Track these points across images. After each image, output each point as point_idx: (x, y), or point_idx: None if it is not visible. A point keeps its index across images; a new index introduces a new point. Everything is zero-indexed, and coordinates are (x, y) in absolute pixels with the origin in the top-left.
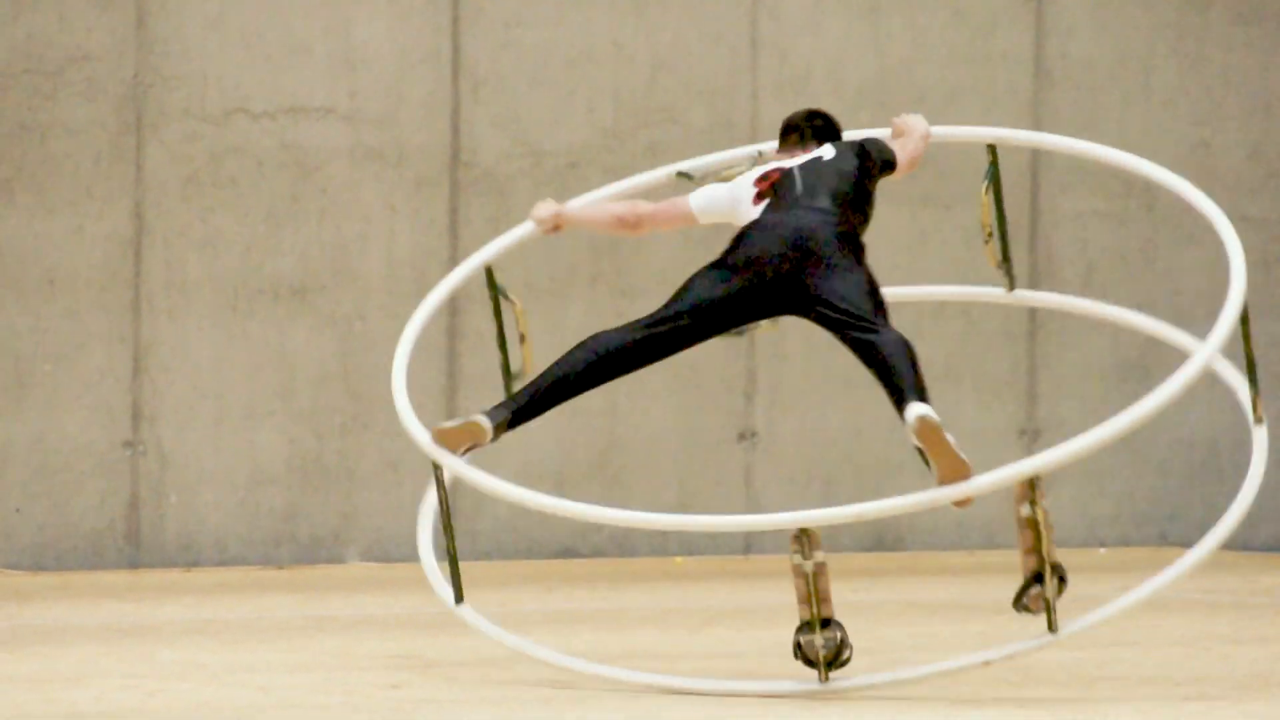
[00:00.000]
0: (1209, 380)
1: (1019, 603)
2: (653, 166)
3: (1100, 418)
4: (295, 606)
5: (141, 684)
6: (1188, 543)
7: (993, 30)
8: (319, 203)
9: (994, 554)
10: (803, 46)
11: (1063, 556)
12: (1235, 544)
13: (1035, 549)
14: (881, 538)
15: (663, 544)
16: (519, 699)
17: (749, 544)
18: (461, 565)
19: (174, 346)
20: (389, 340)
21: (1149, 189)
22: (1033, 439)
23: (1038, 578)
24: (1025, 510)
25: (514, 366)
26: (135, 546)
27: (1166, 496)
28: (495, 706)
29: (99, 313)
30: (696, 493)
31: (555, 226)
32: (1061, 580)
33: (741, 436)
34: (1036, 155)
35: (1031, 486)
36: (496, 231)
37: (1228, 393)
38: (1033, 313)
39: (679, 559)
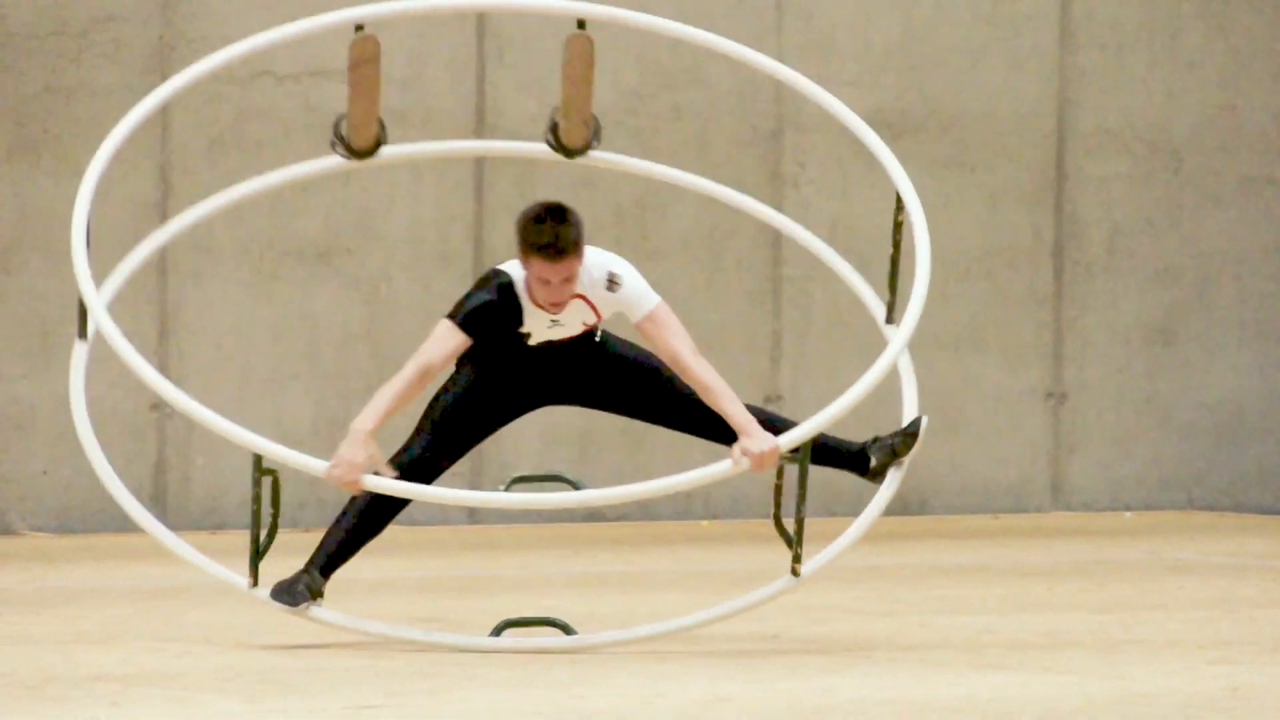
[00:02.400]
0: (1236, 342)
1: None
2: (677, 129)
3: (1126, 380)
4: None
5: (168, 646)
6: (1213, 506)
7: None
8: (344, 164)
9: (1018, 518)
10: (827, 8)
11: (1090, 520)
12: (1262, 507)
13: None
14: (906, 502)
15: (688, 508)
16: (541, 660)
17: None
18: (487, 529)
19: (200, 309)
20: (414, 303)
21: (1175, 152)
22: (1059, 402)
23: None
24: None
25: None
26: (162, 509)
27: (1192, 460)
28: (517, 668)
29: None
30: (720, 456)
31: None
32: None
33: (768, 399)
34: (1063, 120)
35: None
36: (521, 194)
37: (1254, 356)
38: (1058, 275)
39: (705, 522)
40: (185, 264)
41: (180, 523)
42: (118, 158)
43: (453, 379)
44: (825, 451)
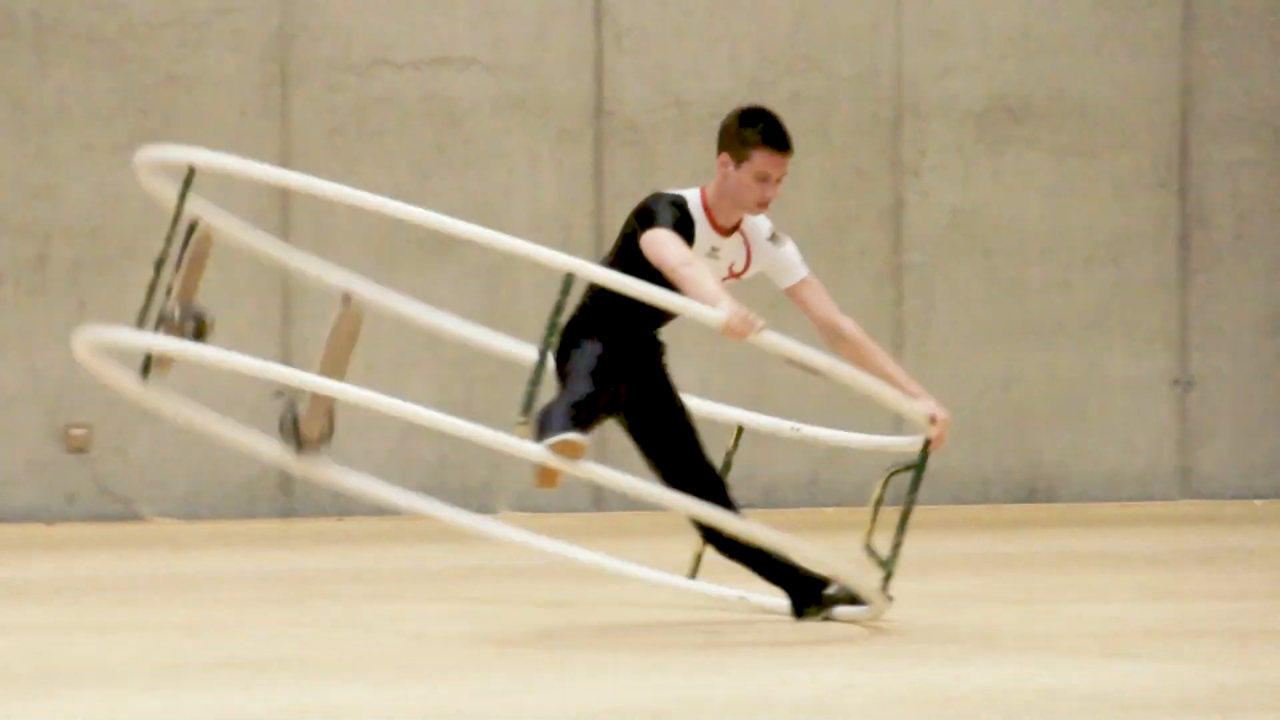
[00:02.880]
0: None
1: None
2: (798, 116)
3: (1253, 367)
4: (446, 556)
5: (297, 632)
6: None
7: None
8: (463, 152)
9: (1146, 506)
10: None
11: (1218, 508)
12: None
13: None
14: (1034, 489)
15: (812, 495)
16: (670, 648)
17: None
18: (614, 515)
19: (322, 296)
20: (535, 290)
21: None
22: (1186, 389)
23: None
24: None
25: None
26: (288, 495)
27: None
28: (646, 656)
29: (248, 264)
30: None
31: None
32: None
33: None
34: (1187, 104)
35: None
36: (640, 182)
37: None
38: (1183, 261)
39: (828, 510)
40: (308, 253)
41: (307, 509)
42: (238, 145)
43: (581, 350)
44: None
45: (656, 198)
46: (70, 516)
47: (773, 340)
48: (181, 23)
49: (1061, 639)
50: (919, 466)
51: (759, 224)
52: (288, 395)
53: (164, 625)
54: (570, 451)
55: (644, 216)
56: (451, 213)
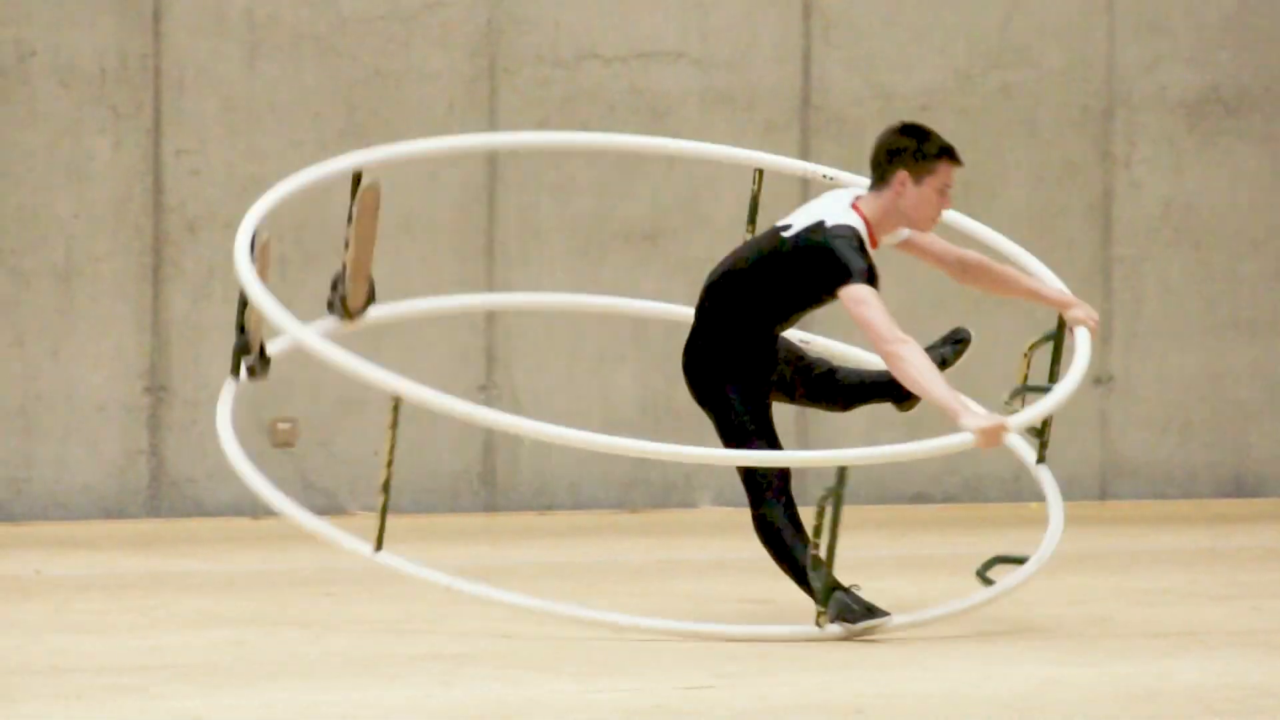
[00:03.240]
0: None
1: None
2: (1006, 108)
3: None
4: (647, 550)
5: (499, 625)
6: None
7: None
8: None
9: None
10: None
11: None
12: None
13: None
14: (1241, 484)
15: (1015, 490)
16: (869, 643)
17: (1104, 489)
18: (812, 510)
19: (527, 291)
20: None
21: None
22: None
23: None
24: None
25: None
26: (490, 489)
27: None
28: (846, 651)
29: (453, 257)
30: (1052, 436)
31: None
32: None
33: (1098, 380)
34: None
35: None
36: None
37: None
38: None
39: (1033, 504)
40: (513, 246)
41: (509, 503)
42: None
43: (731, 408)
44: (861, 390)
45: (836, 236)
46: (274, 510)
47: (1020, 423)
48: (391, 18)
49: (1268, 635)
50: (1057, 337)
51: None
52: (334, 276)
53: (365, 619)
54: None
55: (833, 263)
56: (657, 207)
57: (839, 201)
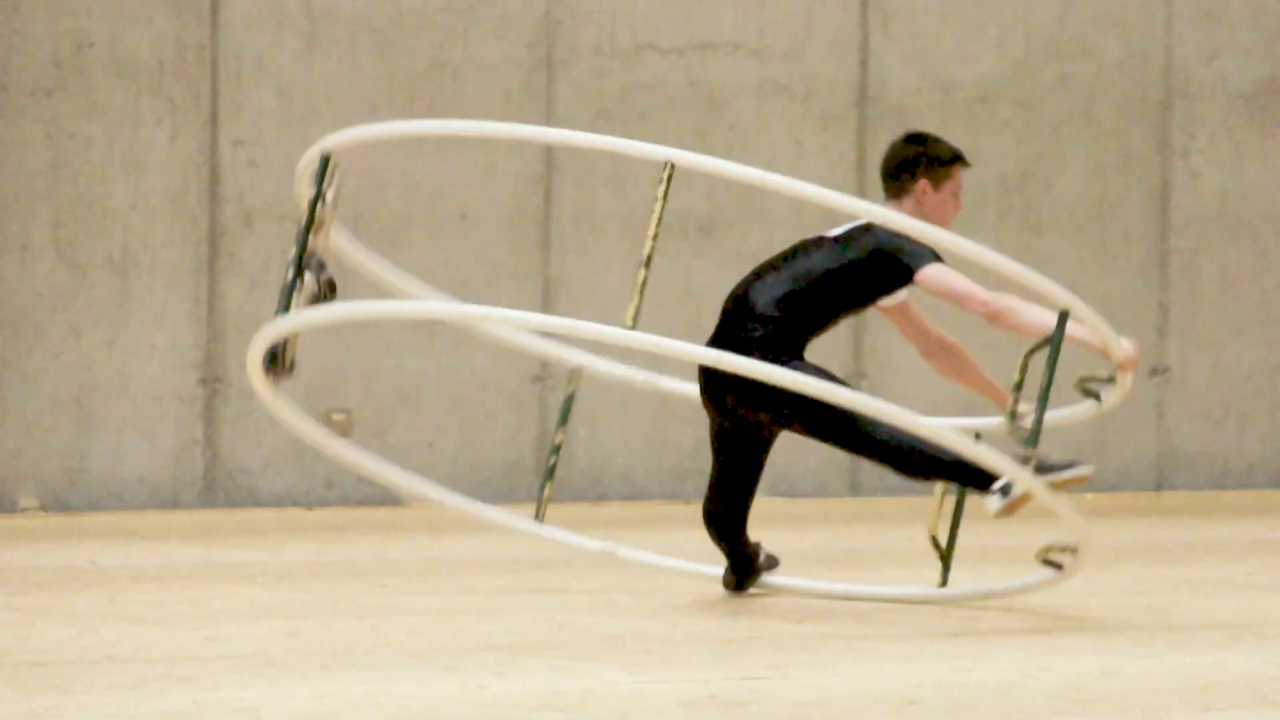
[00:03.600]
0: None
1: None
2: (1064, 99)
3: None
4: (701, 540)
5: (552, 616)
6: None
7: None
8: (726, 138)
9: None
10: None
11: None
12: None
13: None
14: None
15: None
16: (924, 634)
17: (1160, 481)
18: (872, 500)
19: (583, 281)
20: None
21: None
22: None
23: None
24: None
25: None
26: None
27: None
28: (900, 642)
29: (509, 249)
30: (1106, 430)
31: None
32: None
33: (1154, 371)
34: None
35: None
36: None
37: None
38: None
39: (1089, 495)
40: (569, 237)
41: (563, 494)
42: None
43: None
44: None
45: (895, 235)
46: (329, 501)
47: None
48: (449, 10)
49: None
50: (1055, 342)
51: None
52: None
53: (420, 609)
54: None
55: (900, 253)
56: (713, 199)
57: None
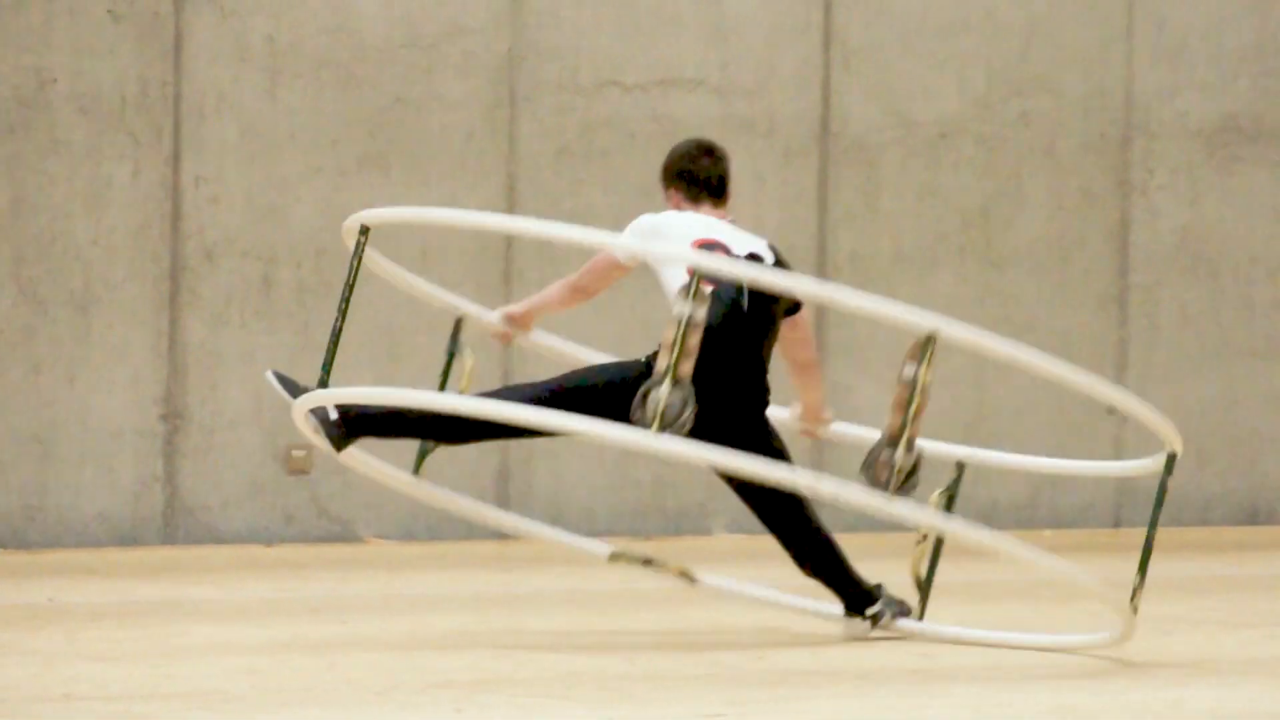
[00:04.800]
0: None
1: (865, 464)
2: (1025, 136)
3: None
4: (662, 580)
5: (511, 654)
6: None
7: None
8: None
9: None
10: (1180, 11)
11: None
12: None
13: (903, 408)
14: (1255, 512)
15: (1030, 517)
16: (883, 672)
17: (1118, 517)
18: (853, 536)
19: (546, 317)
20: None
21: None
22: None
23: (892, 442)
24: (909, 370)
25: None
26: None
27: None
28: (859, 681)
29: (471, 285)
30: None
31: (520, 327)
32: (915, 465)
33: (1112, 408)
34: None
35: (925, 345)
36: (865, 203)
37: None
38: None
39: (1047, 532)
40: (530, 272)
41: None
42: (464, 167)
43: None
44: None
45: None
46: (289, 538)
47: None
48: (412, 46)
49: None
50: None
51: None
52: None
53: (379, 646)
54: None
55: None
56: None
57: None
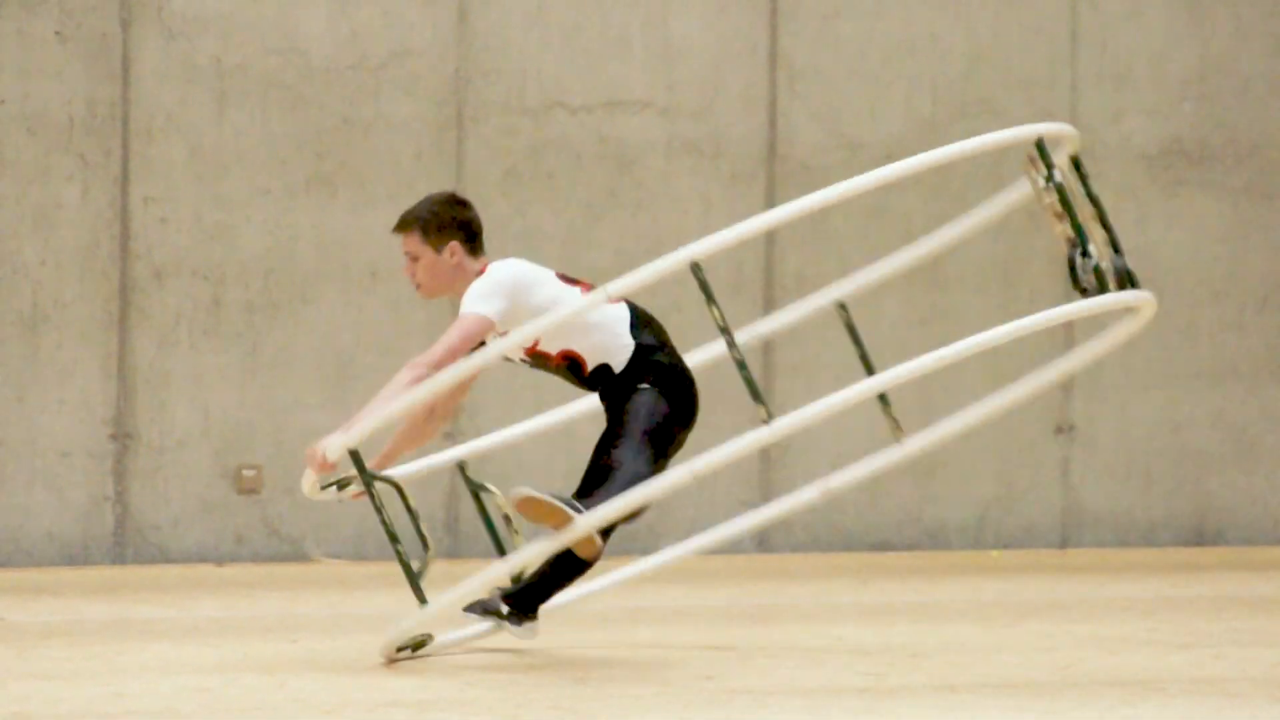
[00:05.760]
0: None
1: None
2: (970, 158)
3: None
4: (612, 597)
5: (460, 673)
6: None
7: None
8: (635, 195)
9: None
10: (1124, 38)
11: None
12: None
13: (1061, 215)
14: (1202, 533)
15: (978, 537)
16: (831, 691)
17: (1065, 538)
18: (780, 557)
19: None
20: (705, 334)
21: None
22: None
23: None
24: (1037, 180)
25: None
26: (454, 537)
27: None
28: (807, 698)
29: (420, 304)
30: (1014, 484)
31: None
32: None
33: (1059, 429)
34: None
35: (1039, 150)
36: (814, 229)
37: None
38: None
39: (995, 552)
40: None
41: (472, 550)
42: (411, 189)
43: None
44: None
45: None
46: (239, 557)
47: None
48: (359, 67)
49: (1226, 683)
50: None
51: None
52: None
53: (328, 665)
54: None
55: None
56: (621, 256)
57: None
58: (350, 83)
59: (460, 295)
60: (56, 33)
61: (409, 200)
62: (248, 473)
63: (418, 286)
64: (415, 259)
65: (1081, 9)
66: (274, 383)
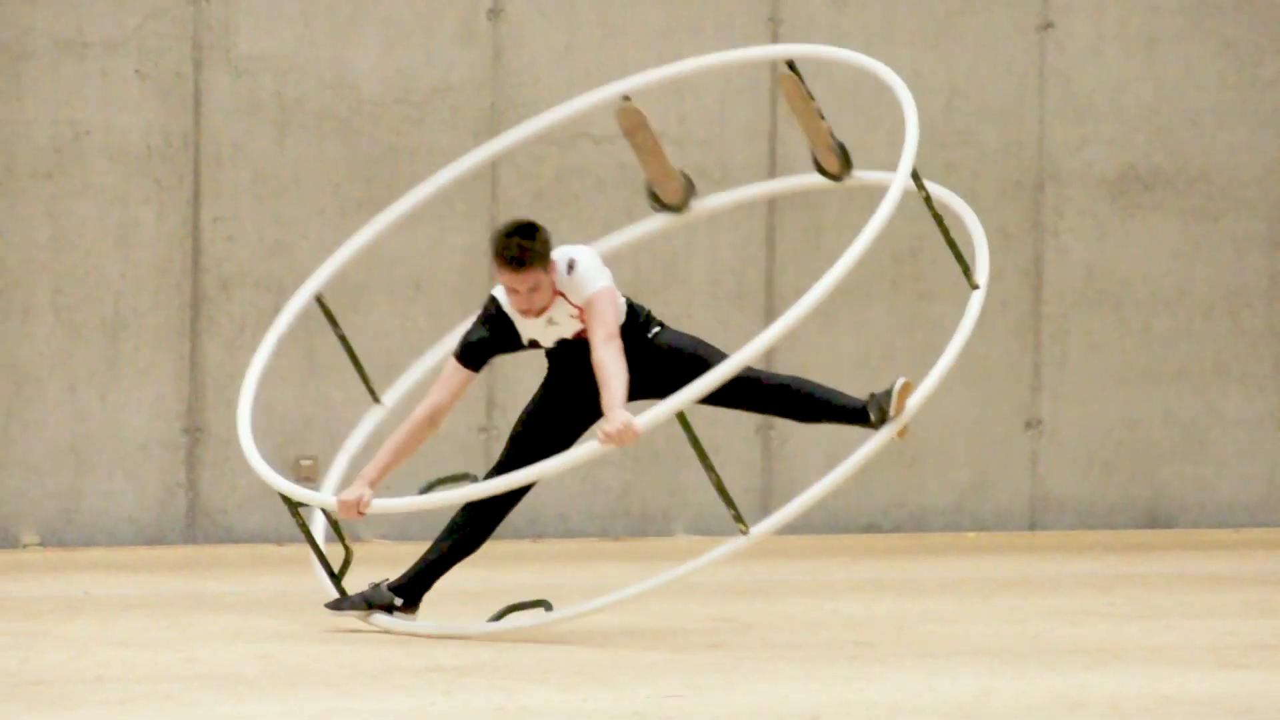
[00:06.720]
0: None
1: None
2: (949, 183)
3: None
4: (627, 575)
5: (494, 644)
6: None
7: (1260, 59)
8: (650, 215)
9: (1258, 532)
10: (1086, 75)
11: None
12: None
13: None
14: (1155, 517)
15: (956, 521)
16: (825, 657)
17: (1034, 521)
18: (779, 538)
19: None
20: (714, 334)
21: None
22: None
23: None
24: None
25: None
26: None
27: None
28: (803, 664)
29: (459, 313)
30: (988, 474)
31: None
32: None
33: (1029, 425)
34: None
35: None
36: (810, 243)
37: None
38: None
39: (971, 534)
40: None
41: (503, 532)
42: (451, 209)
43: (532, 397)
44: (827, 408)
45: (483, 308)
46: (298, 538)
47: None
48: (404, 102)
49: (1178, 650)
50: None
51: (560, 266)
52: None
53: (377, 635)
54: None
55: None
56: (639, 269)
57: None
58: (396, 115)
59: (549, 298)
60: (136, 71)
61: (449, 220)
62: (304, 462)
63: (527, 309)
64: (535, 289)
65: (1048, 49)
66: (328, 383)
